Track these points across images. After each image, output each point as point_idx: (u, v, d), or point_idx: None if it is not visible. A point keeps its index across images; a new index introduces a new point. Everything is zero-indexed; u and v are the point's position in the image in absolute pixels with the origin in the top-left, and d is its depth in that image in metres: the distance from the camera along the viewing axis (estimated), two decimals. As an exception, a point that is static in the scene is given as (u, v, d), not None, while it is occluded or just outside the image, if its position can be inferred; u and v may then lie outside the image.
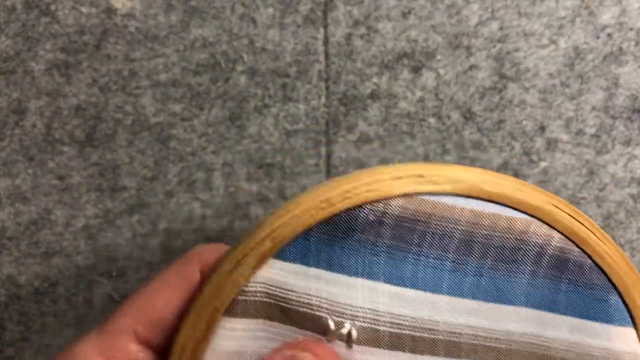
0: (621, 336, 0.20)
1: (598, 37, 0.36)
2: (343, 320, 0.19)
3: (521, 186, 0.20)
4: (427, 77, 0.36)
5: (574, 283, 0.20)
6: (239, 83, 0.36)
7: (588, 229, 0.20)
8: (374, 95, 0.36)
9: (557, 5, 0.36)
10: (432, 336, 0.19)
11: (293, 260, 0.19)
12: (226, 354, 0.18)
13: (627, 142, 0.37)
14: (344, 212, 0.19)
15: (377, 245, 0.19)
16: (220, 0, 0.36)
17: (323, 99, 0.36)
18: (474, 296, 0.19)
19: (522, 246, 0.20)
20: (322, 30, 0.36)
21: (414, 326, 0.19)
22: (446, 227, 0.19)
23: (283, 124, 0.36)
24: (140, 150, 0.36)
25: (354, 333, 0.19)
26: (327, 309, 0.19)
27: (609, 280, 0.20)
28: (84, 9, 0.36)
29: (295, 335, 0.19)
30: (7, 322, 0.37)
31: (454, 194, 0.19)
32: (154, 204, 0.37)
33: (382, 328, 0.19)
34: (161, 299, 0.19)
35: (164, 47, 0.36)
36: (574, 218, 0.20)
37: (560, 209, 0.20)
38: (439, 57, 0.36)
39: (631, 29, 0.36)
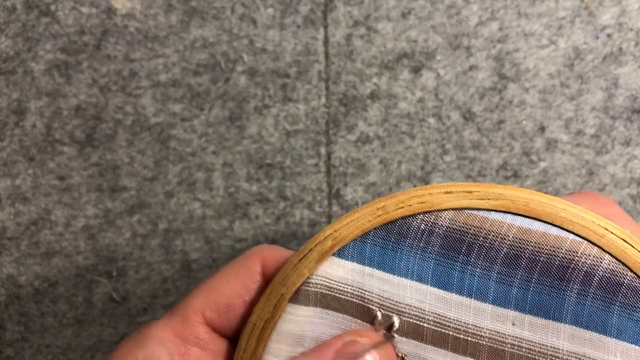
0: None
1: (598, 38, 0.37)
2: (390, 313, 0.21)
3: (568, 206, 0.20)
4: (427, 78, 0.36)
5: (629, 308, 0.20)
6: (239, 83, 0.36)
7: None
8: (373, 96, 0.37)
9: (557, 6, 0.36)
10: (476, 340, 0.20)
11: (351, 258, 0.21)
12: (288, 336, 0.21)
13: (627, 143, 0.37)
14: (398, 220, 0.21)
15: (426, 252, 0.21)
16: (220, 0, 0.36)
17: (323, 99, 0.37)
18: (518, 308, 0.20)
19: (571, 265, 0.20)
20: (322, 30, 0.36)
21: (457, 328, 0.20)
22: (494, 240, 0.20)
23: (283, 124, 0.36)
24: (140, 150, 0.36)
25: (397, 323, 0.21)
26: (377, 302, 0.21)
27: None
28: (84, 9, 0.36)
29: (347, 323, 0.21)
30: (7, 322, 0.37)
31: (502, 210, 0.20)
32: (154, 204, 0.37)
33: (426, 325, 0.21)
34: (227, 287, 0.22)
35: (164, 47, 0.36)
36: (626, 242, 0.20)
37: (610, 232, 0.20)
38: (439, 57, 0.36)
39: (631, 30, 0.36)
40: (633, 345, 0.20)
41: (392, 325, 0.21)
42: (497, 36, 0.36)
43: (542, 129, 0.37)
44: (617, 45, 0.36)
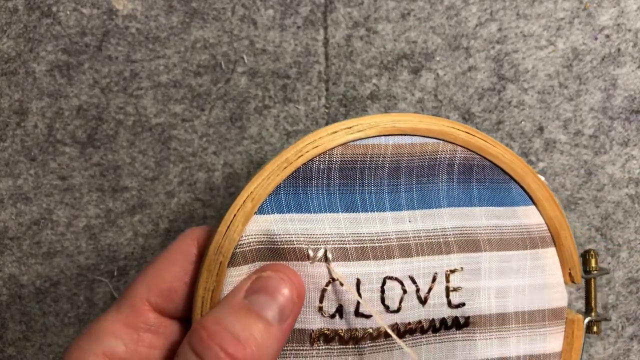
0: (526, 213, 0.26)
1: (596, 39, 0.37)
2: (318, 247, 0.23)
3: (423, 118, 0.25)
4: (427, 78, 0.37)
5: (481, 181, 0.26)
6: (240, 84, 0.37)
7: (481, 139, 0.25)
8: (373, 96, 0.37)
9: (556, 7, 0.37)
10: (387, 244, 0.24)
11: (271, 211, 0.23)
12: None
13: (625, 143, 0.37)
14: (301, 167, 0.23)
15: (330, 186, 0.24)
16: (220, 1, 0.36)
17: (323, 100, 0.37)
18: (409, 207, 0.25)
19: (436, 162, 0.25)
20: (322, 31, 0.37)
21: (371, 239, 0.24)
22: (377, 160, 0.24)
23: (283, 124, 0.37)
24: (141, 150, 0.37)
25: (329, 254, 0.23)
26: (304, 241, 0.23)
27: (506, 173, 0.26)
28: (85, 10, 0.36)
29: None
30: (9, 321, 0.37)
31: (377, 135, 0.24)
32: (155, 204, 0.37)
33: (348, 246, 0.24)
34: (167, 272, 0.23)
35: (165, 48, 0.36)
36: (470, 133, 0.25)
37: (458, 129, 0.25)
38: (438, 58, 0.37)
39: (629, 30, 0.37)
40: (490, 207, 0.26)
41: (326, 256, 0.23)
42: (496, 37, 0.36)
43: (541, 129, 0.37)
44: (615, 46, 0.37)
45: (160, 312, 0.23)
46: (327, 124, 0.37)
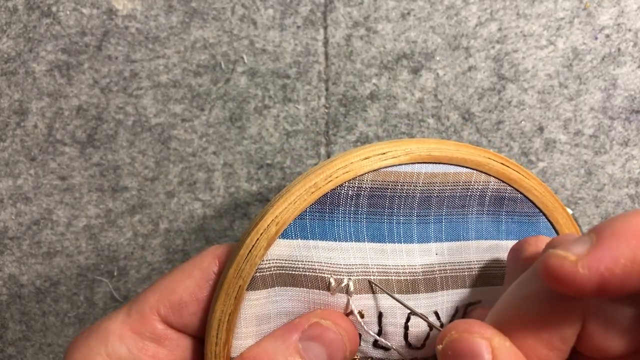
0: None
1: (596, 38, 0.37)
2: (341, 277, 0.23)
3: (460, 147, 0.24)
4: (427, 78, 0.37)
5: (511, 214, 0.25)
6: (240, 84, 0.37)
7: (516, 171, 0.25)
8: (373, 96, 0.37)
9: (556, 7, 0.37)
10: (413, 278, 0.23)
11: (294, 237, 0.22)
12: (254, 318, 0.22)
13: (625, 143, 0.37)
14: (329, 193, 0.23)
15: (357, 214, 0.23)
16: (220, 1, 0.36)
17: (323, 100, 0.37)
18: (437, 239, 0.24)
19: (467, 193, 0.24)
20: (321, 31, 0.37)
21: (397, 272, 0.23)
22: (408, 189, 0.23)
23: (283, 124, 0.37)
24: (141, 150, 0.37)
25: (351, 285, 0.23)
26: (327, 270, 0.22)
27: (537, 207, 0.25)
28: (85, 10, 0.36)
29: (305, 295, 0.23)
30: (9, 321, 0.37)
31: (411, 162, 0.23)
32: (155, 204, 0.37)
33: (372, 277, 0.23)
34: (181, 285, 0.23)
35: (164, 48, 0.36)
36: (504, 164, 0.24)
37: (493, 160, 0.24)
38: (438, 58, 0.37)
39: (629, 30, 0.37)
40: (516, 240, 0.24)
41: (348, 287, 0.23)
42: (496, 37, 0.36)
43: (541, 129, 0.37)
44: (615, 45, 0.37)
45: (168, 324, 0.23)
46: (326, 124, 0.37)
